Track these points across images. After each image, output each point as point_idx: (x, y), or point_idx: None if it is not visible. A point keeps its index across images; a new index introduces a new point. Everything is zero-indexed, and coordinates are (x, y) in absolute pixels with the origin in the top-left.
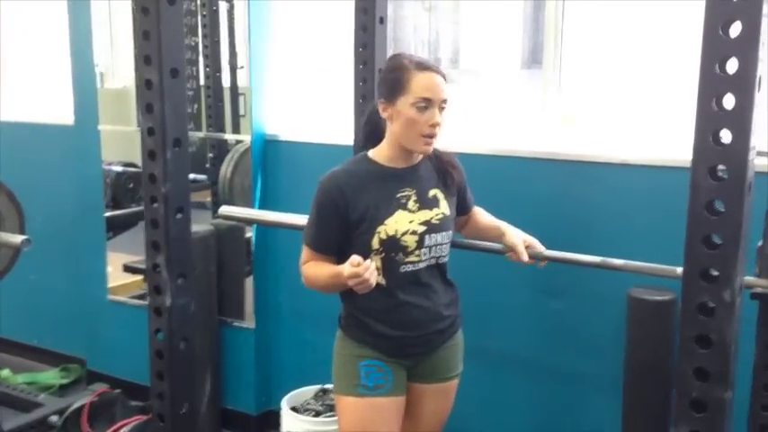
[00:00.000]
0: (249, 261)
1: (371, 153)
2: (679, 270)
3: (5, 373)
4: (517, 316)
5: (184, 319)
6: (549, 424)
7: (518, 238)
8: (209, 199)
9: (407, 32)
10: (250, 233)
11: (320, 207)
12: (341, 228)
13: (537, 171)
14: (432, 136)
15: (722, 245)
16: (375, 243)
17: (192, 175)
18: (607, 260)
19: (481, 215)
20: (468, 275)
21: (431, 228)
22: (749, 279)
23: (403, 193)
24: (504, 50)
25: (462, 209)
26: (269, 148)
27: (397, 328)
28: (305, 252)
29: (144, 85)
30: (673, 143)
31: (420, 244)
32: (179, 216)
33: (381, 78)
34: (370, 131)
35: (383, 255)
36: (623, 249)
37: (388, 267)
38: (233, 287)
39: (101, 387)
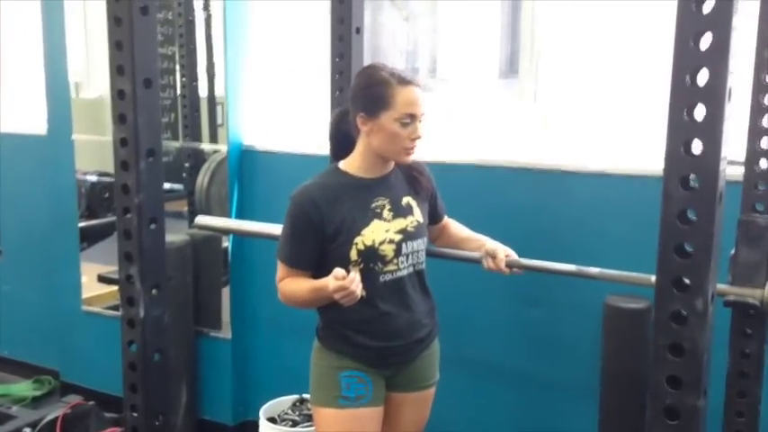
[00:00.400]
0: (226, 271)
1: (342, 165)
2: (653, 278)
3: None
4: (495, 325)
5: (158, 331)
6: (526, 430)
7: (498, 246)
8: (185, 209)
9: (386, 42)
10: (227, 243)
11: (294, 222)
12: (316, 242)
13: (512, 180)
14: (413, 148)
15: (694, 253)
16: (353, 254)
17: (168, 185)
18: (582, 269)
19: (456, 227)
20: (447, 285)
21: (407, 235)
22: (722, 287)
23: (377, 203)
24: (481, 60)
25: (434, 216)
26: (245, 158)
27: (378, 339)
28: (281, 269)
29: (117, 95)
30: (648, 152)
31: (398, 252)
32: (152, 227)
33: (359, 91)
34: (340, 142)
35: (362, 266)
36: (599, 258)
37: (367, 278)
38: (209, 297)
39: (74, 399)
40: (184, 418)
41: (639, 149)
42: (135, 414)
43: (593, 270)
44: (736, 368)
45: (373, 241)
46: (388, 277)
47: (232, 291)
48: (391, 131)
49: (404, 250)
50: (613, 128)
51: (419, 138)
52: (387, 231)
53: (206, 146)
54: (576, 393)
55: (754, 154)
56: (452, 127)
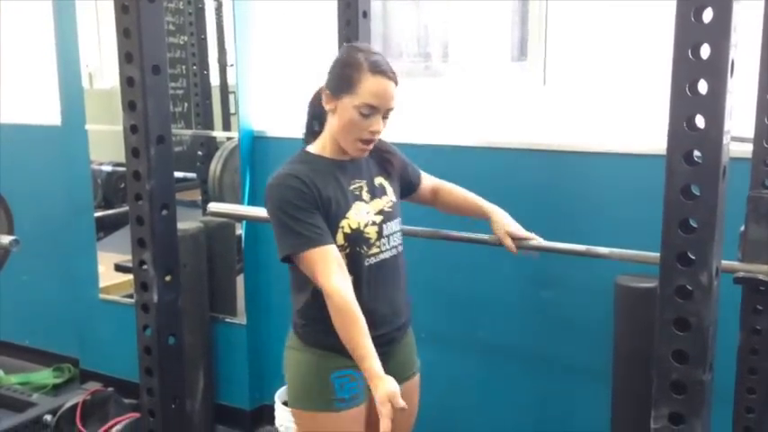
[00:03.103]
0: (240, 258)
1: (313, 149)
2: None
3: None
4: (506, 305)
5: (172, 315)
6: (538, 411)
7: (503, 232)
8: (199, 198)
9: (397, 26)
10: (240, 230)
11: (293, 202)
12: (320, 212)
13: (522, 162)
14: (369, 142)
15: (698, 228)
16: (340, 239)
17: (182, 174)
18: (592, 248)
19: (456, 189)
20: (457, 265)
21: (386, 216)
22: (732, 264)
23: (355, 185)
24: (493, 44)
25: (410, 183)
26: (257, 145)
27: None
28: (312, 263)
29: (126, 82)
30: (658, 131)
31: (380, 234)
32: (164, 212)
33: (331, 68)
34: (312, 123)
35: (348, 250)
36: (610, 238)
37: (353, 263)
38: (224, 284)
39: (94, 386)
40: (202, 402)
41: (650, 129)
42: (151, 397)
43: (603, 249)
44: (747, 345)
45: (359, 223)
46: (372, 261)
47: (246, 277)
48: (348, 118)
49: (384, 231)
50: (624, 108)
51: (378, 132)
52: (368, 213)
53: (218, 134)
54: (587, 374)
55: (762, 130)
56: (464, 110)
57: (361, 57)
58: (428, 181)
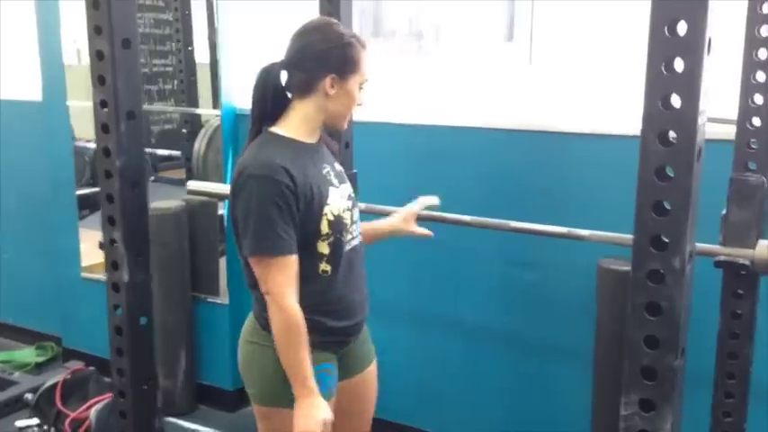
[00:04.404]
0: (223, 237)
1: (280, 131)
2: None
3: None
4: (488, 287)
5: (144, 295)
6: (520, 393)
7: (401, 221)
8: (185, 176)
9: (388, 6)
10: (223, 210)
11: (274, 199)
12: (296, 220)
13: (506, 142)
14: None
15: (672, 211)
16: (324, 227)
17: (167, 152)
18: (573, 230)
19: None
20: (437, 248)
21: (352, 202)
22: (713, 247)
23: (326, 169)
24: (486, 24)
25: None
26: (240, 123)
27: (342, 319)
28: (274, 269)
29: (95, 56)
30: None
31: (351, 219)
32: (136, 191)
33: (327, 51)
34: (273, 103)
35: (331, 238)
36: (595, 220)
37: (335, 251)
38: (206, 263)
39: (76, 364)
40: (184, 382)
41: (635, 109)
42: (122, 378)
43: (584, 232)
44: (728, 329)
45: (338, 209)
46: (347, 248)
47: (229, 256)
48: (353, 96)
49: (353, 217)
50: (610, 89)
51: (362, 104)
52: (341, 198)
53: (202, 111)
54: (569, 355)
55: (746, 111)
56: (453, 90)
57: (347, 34)
58: None
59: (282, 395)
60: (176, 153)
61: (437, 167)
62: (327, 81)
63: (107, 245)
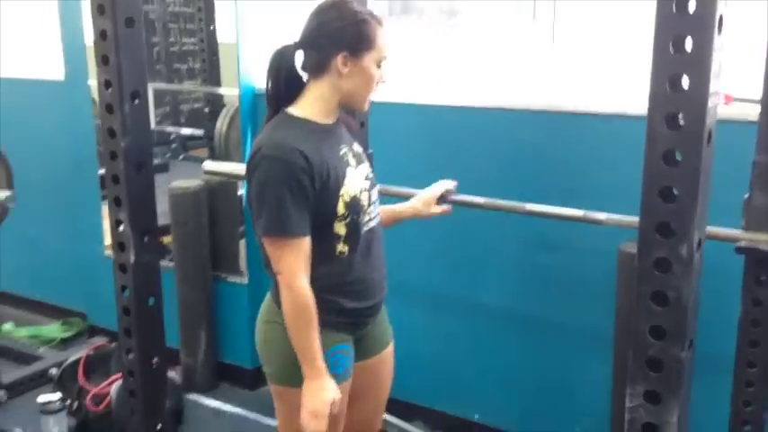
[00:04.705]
0: (243, 217)
1: (296, 111)
2: None
3: (8, 327)
4: (507, 271)
5: (151, 276)
6: (538, 378)
7: (421, 204)
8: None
9: None
10: (242, 189)
11: (289, 180)
12: (310, 202)
13: (524, 123)
14: (374, 94)
15: (680, 197)
16: (341, 208)
17: (189, 131)
18: (590, 214)
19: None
20: (457, 230)
21: (371, 183)
22: (735, 232)
23: (342, 150)
24: (509, 3)
25: None
26: (259, 102)
27: (360, 299)
28: (286, 250)
29: (99, 35)
30: None
31: (369, 201)
32: (141, 171)
33: (340, 28)
34: (289, 84)
35: (348, 219)
36: (616, 202)
37: (352, 232)
38: (227, 242)
39: (100, 340)
40: (204, 360)
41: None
42: (130, 357)
43: (601, 215)
44: (749, 317)
45: (355, 191)
46: (365, 229)
47: (248, 236)
48: (370, 74)
49: (372, 198)
50: (630, 68)
51: (385, 82)
52: (359, 179)
53: (223, 90)
54: (589, 341)
55: None
56: (473, 69)
57: (362, 11)
58: None
59: (297, 375)
60: (199, 132)
61: (453, 148)
62: (339, 59)
63: (113, 226)
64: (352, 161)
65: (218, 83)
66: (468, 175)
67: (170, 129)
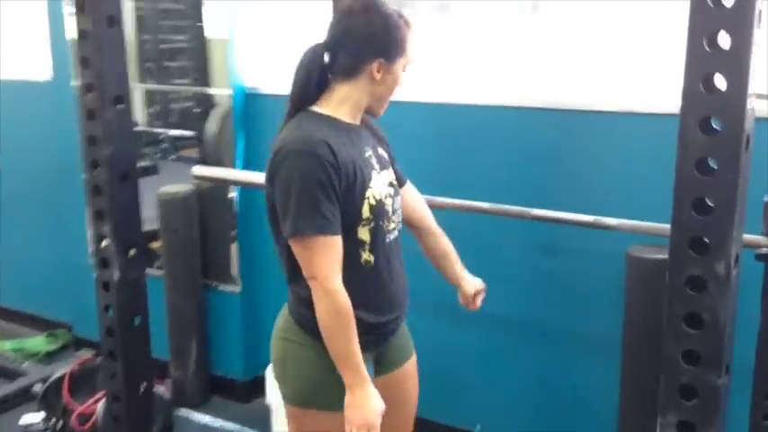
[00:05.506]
0: (234, 223)
1: (322, 110)
2: None
3: None
4: (513, 276)
5: (137, 294)
6: (546, 385)
7: (474, 289)
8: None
9: None
10: (234, 193)
11: (318, 176)
12: (338, 198)
13: (529, 122)
14: None
15: (715, 209)
16: (366, 211)
17: (179, 132)
18: (600, 219)
19: (443, 237)
20: (461, 236)
21: (394, 189)
22: (754, 238)
23: (368, 152)
24: None
25: (398, 180)
26: (251, 102)
27: (383, 313)
28: (320, 252)
29: (79, 35)
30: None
31: (393, 207)
32: (125, 182)
33: (376, 34)
34: (316, 85)
35: (372, 224)
36: (623, 204)
37: (377, 239)
38: (218, 249)
39: (87, 354)
40: (195, 372)
41: (668, 87)
42: (115, 381)
43: (612, 220)
44: None
45: (380, 194)
46: (390, 237)
47: (240, 243)
48: (398, 79)
49: (395, 205)
50: (637, 65)
51: (401, 86)
52: (383, 184)
53: (213, 90)
54: (597, 347)
55: None
56: (470, 64)
57: (395, 15)
58: (414, 193)
59: (317, 397)
60: (189, 133)
61: (457, 147)
62: (375, 65)
63: (95, 241)
64: (376, 165)
65: (208, 82)
66: (471, 173)
67: (159, 129)
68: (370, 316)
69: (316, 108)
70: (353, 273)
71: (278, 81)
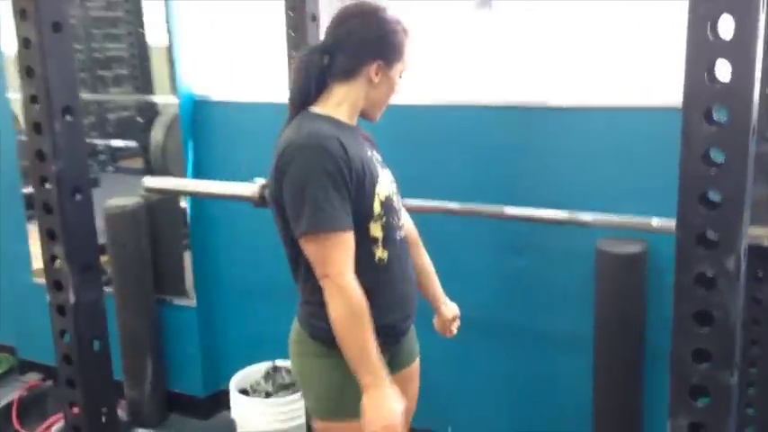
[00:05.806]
0: (186, 234)
1: (322, 111)
2: (654, 222)
3: None
4: (482, 275)
5: (95, 317)
6: (518, 385)
7: (452, 314)
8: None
9: None
10: (185, 203)
11: (330, 170)
12: (350, 193)
13: (496, 120)
14: None
15: (722, 203)
16: (377, 207)
17: (122, 143)
18: (575, 215)
19: (426, 257)
20: (429, 235)
21: (397, 187)
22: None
23: (369, 152)
24: None
25: None
26: (199, 110)
27: (395, 314)
28: (333, 248)
29: (22, 44)
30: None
31: (398, 205)
32: (77, 197)
33: (376, 37)
34: (315, 87)
35: (384, 220)
36: (591, 198)
37: (388, 235)
38: (170, 262)
39: (34, 378)
40: (151, 391)
41: (621, 81)
42: (75, 411)
43: (587, 216)
44: (748, 314)
45: (388, 191)
46: (399, 235)
47: (194, 254)
48: (395, 84)
49: (398, 205)
50: (595, 58)
51: (397, 93)
52: (389, 182)
53: (157, 99)
54: (569, 344)
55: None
56: (429, 64)
57: (394, 20)
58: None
59: (340, 406)
60: (132, 144)
61: (422, 149)
62: (374, 67)
63: (47, 263)
64: (377, 163)
65: (150, 90)
66: (438, 174)
67: (98, 141)
68: (382, 317)
69: (314, 109)
70: (368, 272)
71: (227, 88)
